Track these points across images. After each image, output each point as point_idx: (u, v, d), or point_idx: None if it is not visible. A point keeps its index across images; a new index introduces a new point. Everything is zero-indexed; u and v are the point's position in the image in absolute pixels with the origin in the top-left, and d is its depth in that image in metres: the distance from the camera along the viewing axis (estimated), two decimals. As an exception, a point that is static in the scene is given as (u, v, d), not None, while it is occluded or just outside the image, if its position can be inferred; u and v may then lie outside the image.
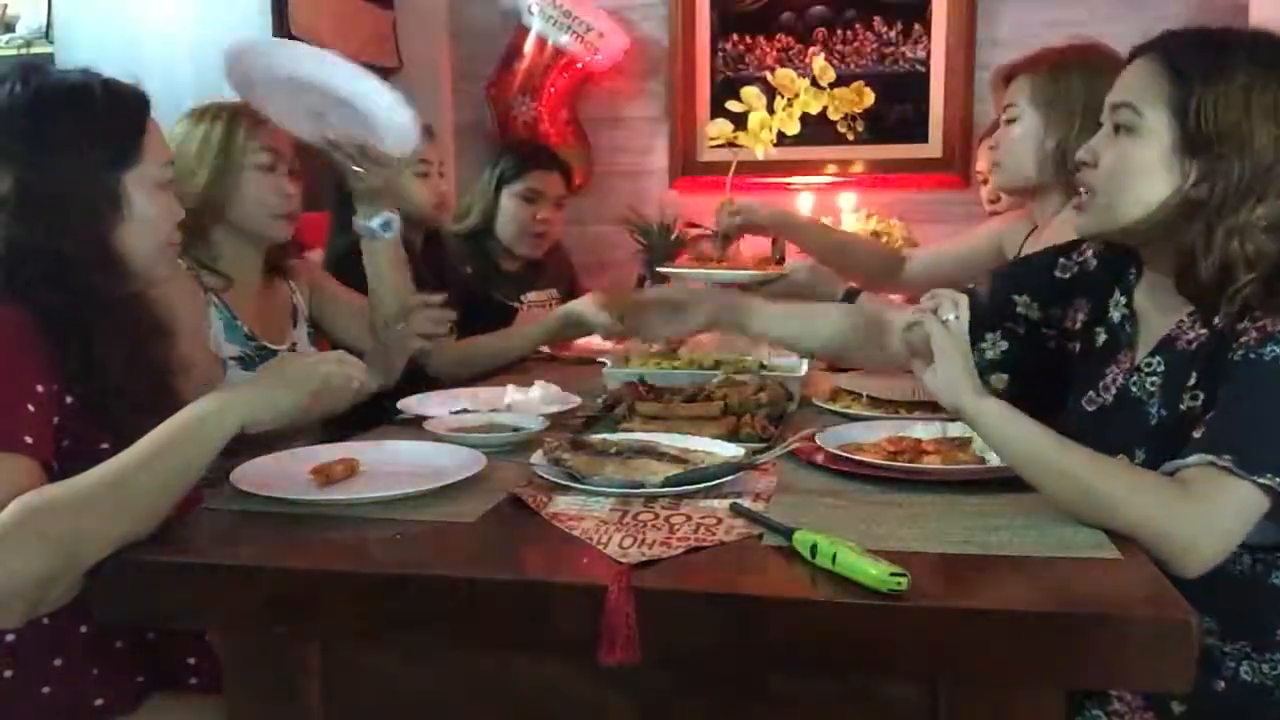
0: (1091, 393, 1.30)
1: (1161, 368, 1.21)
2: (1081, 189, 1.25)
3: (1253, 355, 1.07)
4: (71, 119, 1.19)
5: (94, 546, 0.99)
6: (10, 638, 1.13)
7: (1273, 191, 1.10)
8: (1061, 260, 1.41)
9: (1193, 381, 1.16)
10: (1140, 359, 1.25)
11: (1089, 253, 1.38)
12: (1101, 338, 1.32)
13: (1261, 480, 1.01)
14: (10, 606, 1.02)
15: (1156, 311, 1.26)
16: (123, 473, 1.03)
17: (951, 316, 1.18)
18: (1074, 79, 1.72)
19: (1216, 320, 1.15)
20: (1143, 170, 1.17)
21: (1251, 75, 1.12)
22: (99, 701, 1.16)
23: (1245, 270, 1.10)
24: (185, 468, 1.06)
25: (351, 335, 1.94)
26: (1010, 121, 1.81)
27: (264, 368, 1.43)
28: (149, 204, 1.24)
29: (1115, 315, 1.31)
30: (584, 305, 2.12)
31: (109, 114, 1.22)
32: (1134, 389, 1.24)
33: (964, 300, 1.19)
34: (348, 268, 1.98)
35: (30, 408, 1.06)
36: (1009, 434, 1.13)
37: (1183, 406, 1.16)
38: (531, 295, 2.67)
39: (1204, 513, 1.02)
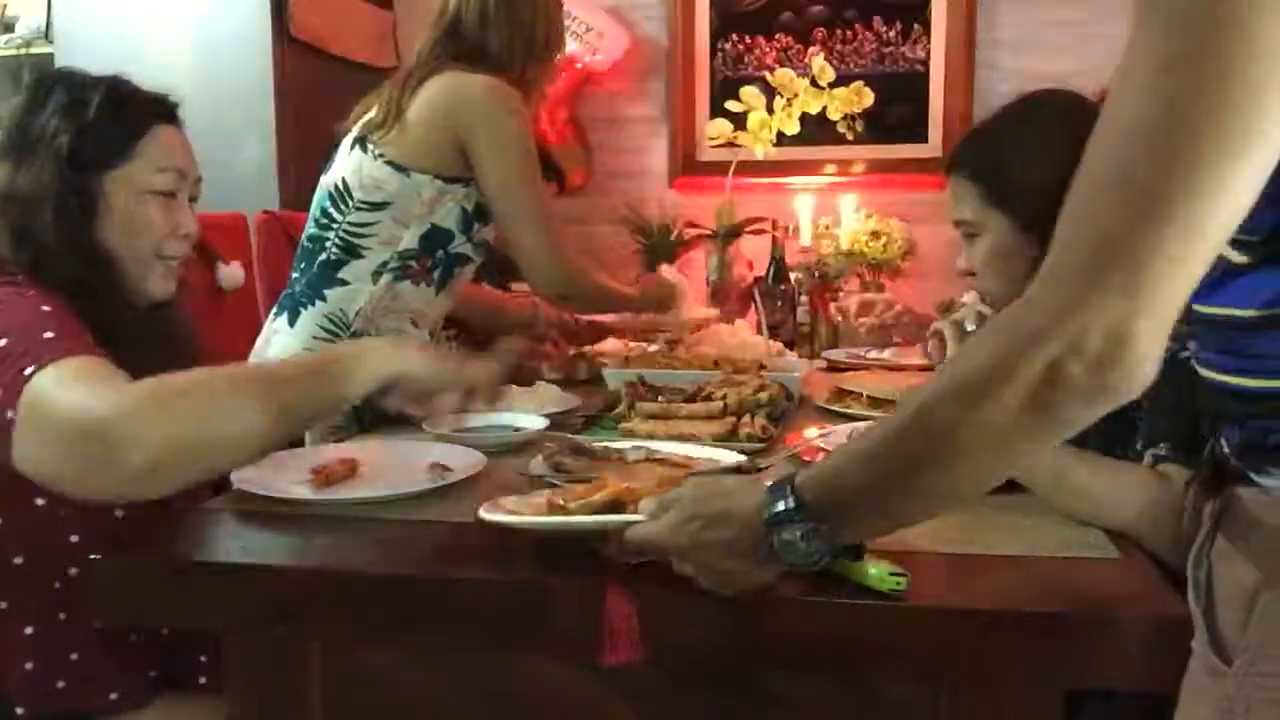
0: None
1: None
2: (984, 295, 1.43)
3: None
4: (60, 116, 1.19)
5: (219, 431, 0.99)
6: (29, 630, 1.14)
7: None
8: None
9: None
10: None
11: None
12: None
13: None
14: (123, 461, 0.94)
15: None
16: (266, 377, 1.09)
17: (972, 328, 1.29)
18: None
19: None
20: (1005, 256, 1.35)
21: (1030, 138, 1.32)
22: (113, 696, 1.17)
23: None
24: (326, 397, 1.08)
25: None
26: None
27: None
28: (132, 207, 1.22)
29: None
30: None
31: (100, 115, 1.21)
32: None
33: (989, 312, 1.31)
34: None
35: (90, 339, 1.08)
36: None
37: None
38: (515, 286, 2.73)
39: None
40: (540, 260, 1.75)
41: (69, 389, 0.97)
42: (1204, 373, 0.77)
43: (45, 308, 1.08)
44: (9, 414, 0.98)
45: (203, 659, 1.23)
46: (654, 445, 1.30)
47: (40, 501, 1.13)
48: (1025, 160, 1.29)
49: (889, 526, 0.84)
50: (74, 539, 1.13)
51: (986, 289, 1.41)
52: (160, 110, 1.27)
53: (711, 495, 0.86)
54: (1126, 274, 0.63)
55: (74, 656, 1.15)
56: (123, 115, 1.23)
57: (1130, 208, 0.63)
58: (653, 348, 2.26)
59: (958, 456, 0.73)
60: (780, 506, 0.80)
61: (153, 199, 1.24)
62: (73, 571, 1.14)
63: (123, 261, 1.22)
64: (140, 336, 1.19)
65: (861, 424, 1.44)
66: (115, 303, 1.21)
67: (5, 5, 3.32)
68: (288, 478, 1.19)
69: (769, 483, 0.82)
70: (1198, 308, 0.76)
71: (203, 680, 1.23)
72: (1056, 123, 1.28)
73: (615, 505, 0.94)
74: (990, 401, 0.69)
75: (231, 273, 2.38)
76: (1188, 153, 0.62)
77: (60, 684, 1.15)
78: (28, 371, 0.99)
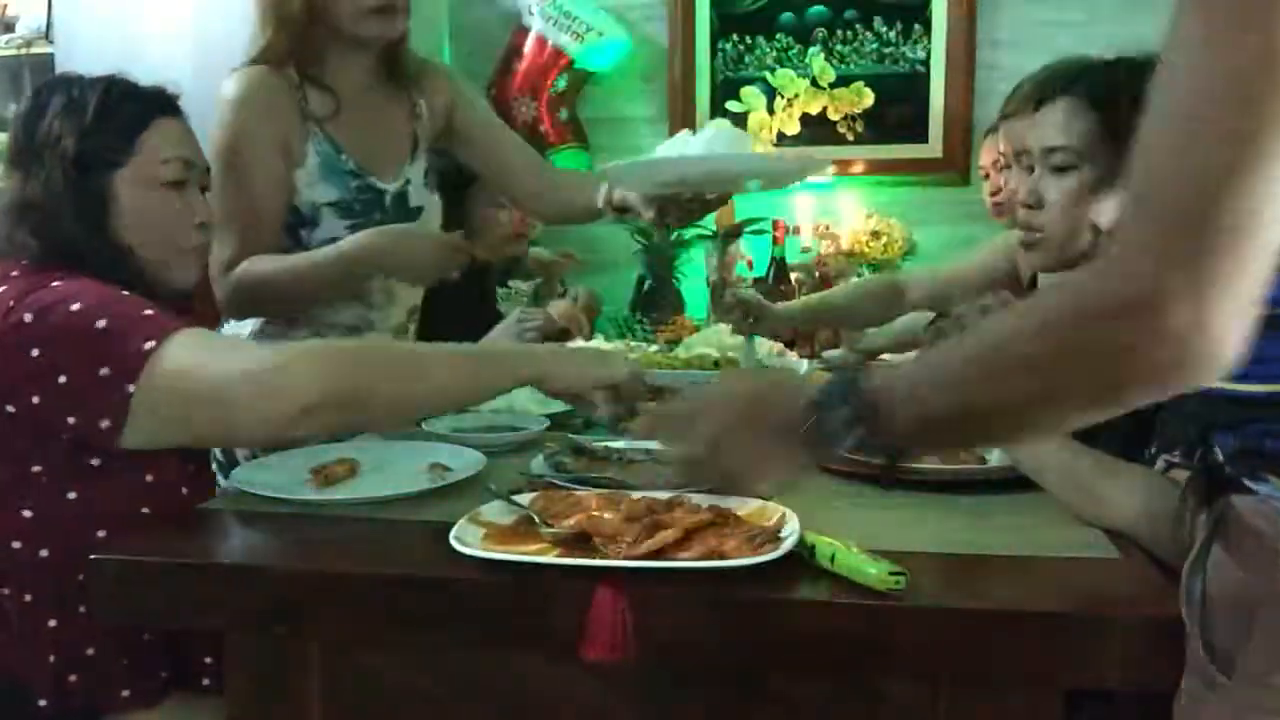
0: None
1: None
2: (1026, 230, 1.35)
3: None
4: (60, 120, 1.21)
5: (378, 401, 1.12)
6: (53, 623, 1.14)
7: None
8: None
9: None
10: None
11: None
12: None
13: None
14: (290, 398, 1.06)
15: None
16: (426, 357, 1.19)
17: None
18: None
19: None
20: (1086, 200, 1.29)
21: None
22: (125, 694, 1.18)
23: None
24: (476, 385, 1.18)
25: (499, 171, 1.81)
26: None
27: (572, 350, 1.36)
28: (143, 201, 1.24)
29: None
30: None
31: (98, 114, 1.22)
32: None
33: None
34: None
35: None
36: None
37: None
38: (514, 283, 2.73)
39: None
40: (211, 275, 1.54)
41: (211, 351, 1.09)
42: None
43: (123, 291, 1.15)
44: (129, 388, 1.06)
45: (208, 660, 1.23)
46: (654, 445, 1.30)
47: (72, 495, 1.14)
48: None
49: (933, 446, 0.95)
50: (101, 534, 1.13)
51: (1051, 230, 1.32)
52: (158, 103, 1.28)
53: (758, 376, 0.99)
54: (1201, 255, 0.62)
55: (90, 652, 1.16)
56: (121, 112, 1.24)
57: (1195, 184, 0.62)
58: (653, 348, 2.27)
59: (1019, 404, 0.73)
60: (834, 392, 0.84)
61: (162, 191, 1.25)
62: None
63: (143, 256, 1.24)
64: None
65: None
66: (147, 295, 1.21)
67: (5, 5, 3.32)
68: (288, 478, 1.19)
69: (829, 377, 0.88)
70: None
71: (206, 682, 1.23)
72: None
73: (583, 536, 0.96)
74: (1064, 362, 0.69)
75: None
76: (1246, 128, 0.61)
77: (73, 678, 1.15)
78: (148, 346, 1.07)
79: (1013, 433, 0.81)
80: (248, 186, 1.57)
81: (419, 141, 1.74)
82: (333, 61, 1.64)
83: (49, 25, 3.16)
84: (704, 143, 1.37)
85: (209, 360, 1.08)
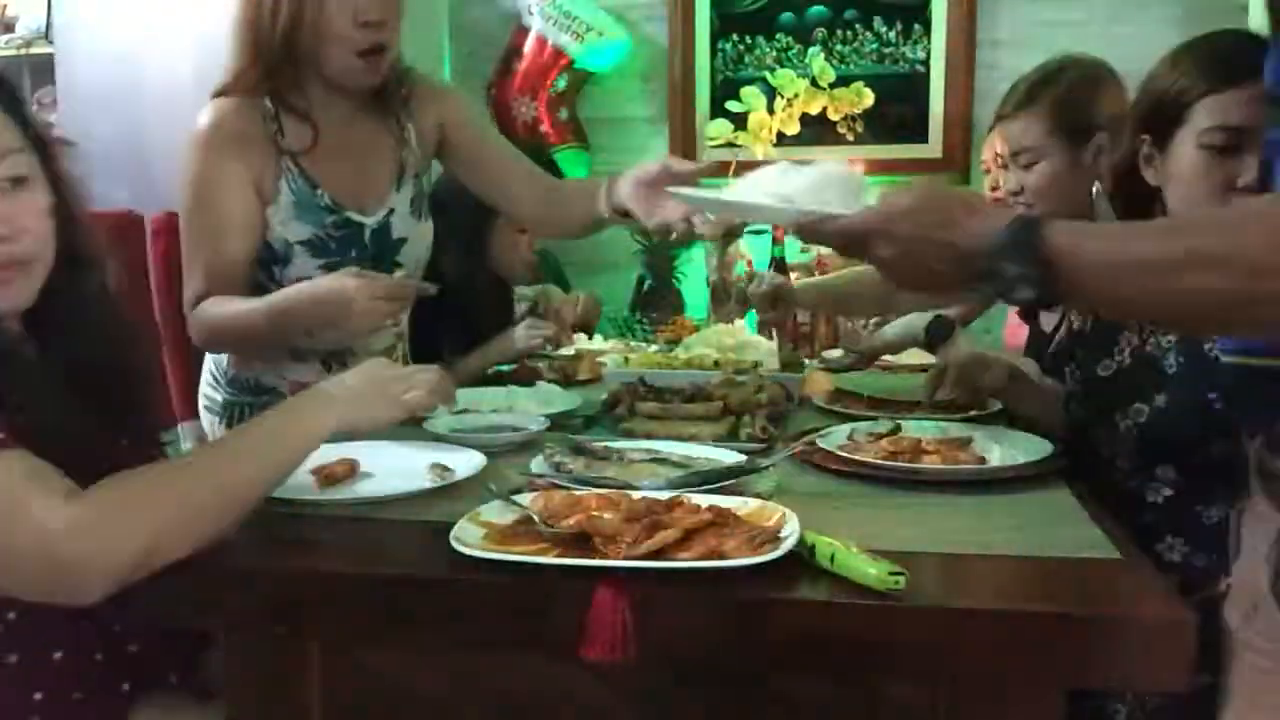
0: (1106, 360, 1.40)
1: None
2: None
3: None
4: None
5: (179, 535, 0.94)
6: (14, 658, 1.09)
7: None
8: None
9: None
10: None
11: None
12: None
13: None
14: (89, 586, 0.91)
15: None
16: (215, 463, 1.02)
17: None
18: (1089, 94, 1.69)
19: None
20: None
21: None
22: None
23: None
24: (280, 462, 1.03)
25: (491, 188, 1.74)
26: (1031, 165, 1.74)
27: (362, 373, 1.17)
28: None
29: None
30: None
31: None
32: (1150, 347, 1.33)
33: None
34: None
35: None
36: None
37: (1206, 347, 1.25)
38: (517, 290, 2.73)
39: None
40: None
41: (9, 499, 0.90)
42: (1236, 359, 0.78)
43: None
44: None
45: (173, 678, 1.19)
46: (654, 445, 1.30)
47: None
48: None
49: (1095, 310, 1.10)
50: None
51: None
52: None
53: (946, 204, 0.93)
54: None
55: (38, 696, 1.10)
56: None
57: None
58: (653, 348, 2.27)
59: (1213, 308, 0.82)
60: (1010, 248, 0.85)
61: None
62: (11, 616, 1.07)
63: None
64: (30, 352, 1.08)
65: (862, 424, 1.44)
66: None
67: (5, 5, 3.32)
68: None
69: (1008, 223, 0.87)
70: None
71: (173, 679, 1.19)
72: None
73: (583, 536, 0.96)
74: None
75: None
76: None
77: None
78: None
79: (1198, 330, 0.96)
80: (215, 224, 1.55)
81: (405, 169, 1.69)
82: (312, 92, 1.60)
83: (49, 25, 3.16)
84: (808, 187, 1.10)
85: (13, 512, 0.90)
